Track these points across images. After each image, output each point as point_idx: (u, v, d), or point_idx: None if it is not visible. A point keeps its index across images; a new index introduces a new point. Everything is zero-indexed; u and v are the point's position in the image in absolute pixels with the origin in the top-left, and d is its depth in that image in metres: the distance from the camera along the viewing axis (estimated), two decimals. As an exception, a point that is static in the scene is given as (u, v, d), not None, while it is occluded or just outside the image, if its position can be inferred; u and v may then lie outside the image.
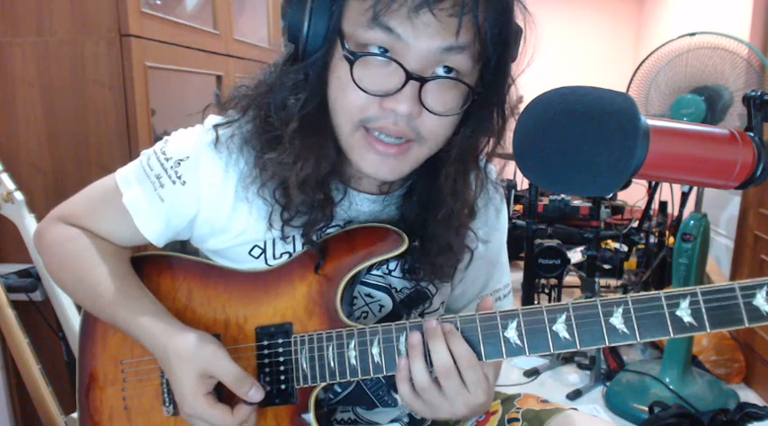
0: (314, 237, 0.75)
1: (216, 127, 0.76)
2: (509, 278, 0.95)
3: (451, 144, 0.71)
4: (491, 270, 0.91)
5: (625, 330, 0.60)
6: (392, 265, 0.83)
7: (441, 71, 0.64)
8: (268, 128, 0.72)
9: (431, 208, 0.76)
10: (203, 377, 0.68)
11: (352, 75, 0.63)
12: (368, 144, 0.68)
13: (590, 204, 3.25)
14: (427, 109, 0.65)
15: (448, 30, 0.60)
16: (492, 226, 0.87)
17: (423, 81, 0.63)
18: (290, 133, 0.69)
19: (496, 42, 0.65)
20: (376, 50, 0.63)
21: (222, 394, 0.70)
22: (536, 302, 2.71)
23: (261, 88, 0.74)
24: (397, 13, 0.60)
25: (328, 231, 0.78)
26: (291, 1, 0.66)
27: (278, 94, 0.70)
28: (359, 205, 0.80)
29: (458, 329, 0.66)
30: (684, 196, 2.22)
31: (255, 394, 0.69)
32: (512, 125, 0.71)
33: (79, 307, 1.36)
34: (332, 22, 0.65)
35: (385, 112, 0.65)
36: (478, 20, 0.61)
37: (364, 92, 0.64)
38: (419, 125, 0.66)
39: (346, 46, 0.63)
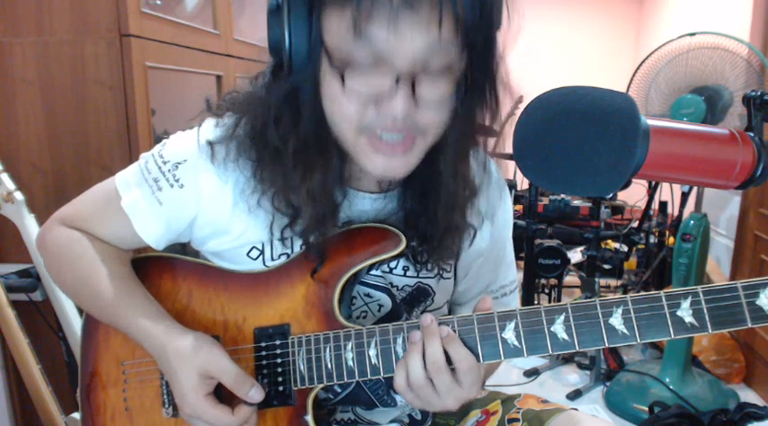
0: (311, 238, 0.75)
1: (210, 144, 0.76)
2: (515, 274, 0.95)
3: (448, 129, 0.71)
4: (497, 267, 0.91)
5: (625, 331, 0.60)
6: (393, 263, 0.83)
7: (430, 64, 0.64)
8: (264, 142, 0.73)
9: (432, 194, 0.76)
10: (203, 377, 0.68)
11: (344, 86, 0.64)
12: (374, 148, 0.68)
13: (590, 204, 3.25)
14: (423, 100, 0.65)
15: (430, 26, 0.60)
16: (495, 205, 0.86)
17: (414, 77, 0.63)
18: (291, 150, 0.70)
19: (479, 25, 0.64)
20: (363, 62, 0.63)
21: (222, 396, 0.70)
22: (536, 302, 2.71)
23: (252, 101, 0.73)
24: (378, 21, 0.59)
25: None
26: (270, 16, 0.66)
27: (271, 111, 0.70)
28: (359, 204, 0.80)
29: (455, 331, 0.65)
30: (684, 196, 2.22)
31: (256, 394, 0.69)
32: (512, 122, 0.71)
33: (80, 308, 1.37)
34: (313, 35, 0.64)
35: (383, 115, 0.65)
36: (458, 9, 0.60)
37: (359, 97, 0.64)
38: (418, 119, 0.66)
39: (334, 62, 0.64)
